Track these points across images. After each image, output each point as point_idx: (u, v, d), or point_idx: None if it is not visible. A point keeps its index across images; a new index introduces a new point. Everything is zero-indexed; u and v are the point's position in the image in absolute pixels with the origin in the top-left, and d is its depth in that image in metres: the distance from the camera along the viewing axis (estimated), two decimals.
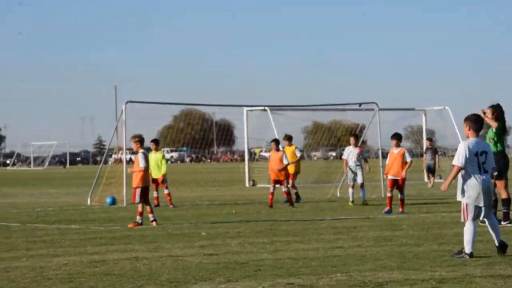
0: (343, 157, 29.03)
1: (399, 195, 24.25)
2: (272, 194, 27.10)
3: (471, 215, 13.63)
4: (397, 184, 24.33)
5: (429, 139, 43.96)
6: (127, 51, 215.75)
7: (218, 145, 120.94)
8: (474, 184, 13.54)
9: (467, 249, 13.58)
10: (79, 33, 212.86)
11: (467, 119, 13.93)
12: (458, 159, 13.57)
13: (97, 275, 12.66)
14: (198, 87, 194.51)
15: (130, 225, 20.99)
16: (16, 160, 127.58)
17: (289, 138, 30.11)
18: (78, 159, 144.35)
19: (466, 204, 13.64)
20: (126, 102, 33.24)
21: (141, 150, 21.67)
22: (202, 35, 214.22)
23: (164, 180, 29.01)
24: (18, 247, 16.69)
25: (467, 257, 13.48)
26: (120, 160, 30.34)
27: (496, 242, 13.86)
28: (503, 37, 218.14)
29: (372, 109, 37.45)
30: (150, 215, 21.07)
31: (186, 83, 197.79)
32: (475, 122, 13.87)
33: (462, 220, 13.82)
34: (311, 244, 16.31)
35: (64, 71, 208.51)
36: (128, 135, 32.54)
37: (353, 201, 27.77)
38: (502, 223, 19.67)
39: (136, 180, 21.23)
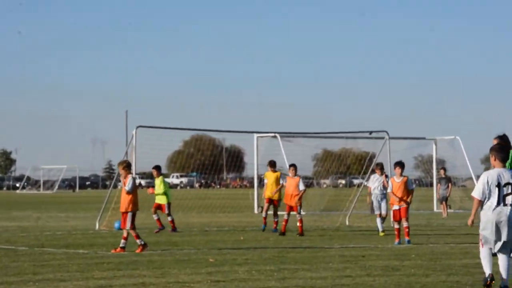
0: (368, 184, 28.64)
1: (404, 224, 23.72)
2: (286, 221, 26.87)
3: (486, 245, 13.30)
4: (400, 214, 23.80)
5: (443, 169, 44.12)
6: (139, 76, 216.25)
7: (227, 171, 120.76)
8: (488, 216, 13.21)
9: (486, 272, 13.21)
10: (90, 57, 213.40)
11: (492, 149, 13.60)
12: (477, 191, 13.31)
13: None
14: (209, 113, 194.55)
15: (113, 251, 20.90)
16: (25, 184, 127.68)
17: (273, 165, 29.30)
18: (87, 183, 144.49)
19: (482, 236, 13.32)
20: (137, 127, 33.34)
21: (129, 175, 21.50)
22: (213, 63, 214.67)
23: (167, 208, 29.03)
24: (25, 271, 16.68)
25: (488, 280, 13.14)
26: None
27: (501, 283, 13.29)
28: None
29: (383, 138, 37.43)
30: (138, 240, 20.96)
31: (197, 109, 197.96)
32: (500, 151, 13.50)
33: (481, 248, 13.42)
34: (319, 273, 16.28)
35: (75, 95, 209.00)
36: (138, 160, 32.67)
37: (383, 231, 26.96)
38: None
39: (125, 205, 21.17)
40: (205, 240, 25.41)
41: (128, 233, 21.07)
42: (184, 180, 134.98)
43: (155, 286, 14.20)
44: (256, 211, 45.56)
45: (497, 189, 13.14)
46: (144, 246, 20.86)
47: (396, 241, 23.48)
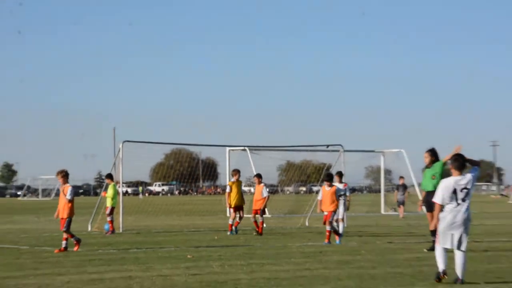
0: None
1: (327, 227, 22.85)
2: (255, 223, 27.01)
3: (441, 241, 13.03)
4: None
5: (402, 177, 44.71)
6: (126, 96, 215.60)
7: (203, 180, 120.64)
8: (446, 218, 12.97)
9: (439, 268, 13.03)
10: (84, 82, 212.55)
11: (451, 159, 13.42)
12: (437, 197, 13.15)
13: None
14: (187, 129, 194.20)
15: (56, 251, 20.43)
16: (26, 192, 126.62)
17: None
18: (80, 191, 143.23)
19: (438, 233, 13.12)
20: (123, 142, 33.24)
21: (68, 185, 21.07)
22: (192, 86, 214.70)
23: (110, 210, 29.06)
24: (26, 267, 16.65)
25: (441, 275, 12.95)
26: (117, 192, 30.32)
27: (442, 267, 13.12)
28: (457, 86, 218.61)
29: (338, 151, 37.63)
30: (65, 242, 20.67)
31: (177, 126, 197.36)
32: (455, 161, 13.27)
33: (436, 245, 13.20)
34: (282, 266, 16.35)
35: (69, 114, 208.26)
36: (125, 171, 32.60)
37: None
38: (425, 250, 19.98)
39: (66, 211, 20.83)
40: (184, 239, 25.42)
41: (69, 235, 20.74)
42: (165, 188, 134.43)
43: (141, 279, 14.21)
44: (228, 214, 45.56)
45: (454, 193, 12.99)
46: (66, 249, 20.49)
47: (326, 241, 22.78)
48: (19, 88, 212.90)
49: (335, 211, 23.07)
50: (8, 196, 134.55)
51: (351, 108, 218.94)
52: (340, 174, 26.16)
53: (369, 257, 18.51)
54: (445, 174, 21.23)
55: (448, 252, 13.23)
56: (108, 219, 29.02)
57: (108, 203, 29.50)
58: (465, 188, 13.00)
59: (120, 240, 25.14)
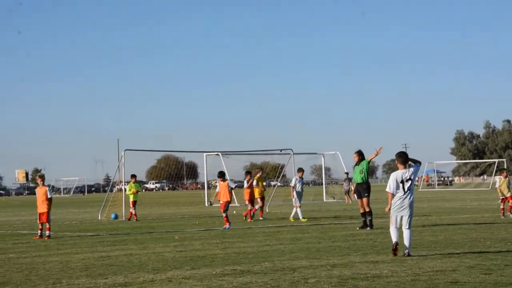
0: (291, 184, 25.43)
1: (224, 214, 22.15)
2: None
3: (393, 222, 12.47)
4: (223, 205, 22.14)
5: (347, 173, 45.31)
6: (127, 116, 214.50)
7: (187, 178, 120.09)
8: (396, 203, 12.42)
9: (393, 240, 12.41)
10: (98, 105, 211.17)
11: (396, 155, 12.73)
12: (389, 187, 12.46)
13: (104, 266, 12.50)
14: (174, 139, 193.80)
15: (34, 238, 19.51)
16: (51, 190, 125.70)
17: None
18: (93, 189, 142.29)
19: (391, 215, 12.58)
20: (125, 150, 33.05)
21: (45, 185, 20.45)
22: (177, 105, 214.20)
23: (133, 204, 28.66)
24: (51, 248, 16.44)
25: (394, 245, 12.33)
26: (120, 189, 30.09)
27: (395, 239, 12.36)
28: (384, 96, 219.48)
29: (289, 153, 37.69)
30: (49, 232, 19.70)
31: (166, 137, 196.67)
32: (399, 157, 12.66)
33: (390, 225, 12.55)
34: (248, 243, 16.26)
35: (83, 129, 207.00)
36: (126, 174, 32.36)
37: (304, 218, 24.74)
38: (357, 228, 20.00)
39: (46, 206, 19.89)
40: (172, 224, 25.26)
41: (43, 225, 19.84)
42: (158, 185, 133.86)
43: (139, 256, 14.05)
44: (206, 204, 45.44)
45: (401, 184, 12.45)
46: (40, 237, 19.56)
47: (226, 226, 21.81)
48: (46, 109, 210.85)
49: (229, 202, 22.30)
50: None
51: (299, 119, 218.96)
52: (302, 171, 25.60)
53: (315, 234, 18.46)
54: (370, 169, 21.34)
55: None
56: (133, 211, 28.47)
57: (132, 198, 28.99)
58: (409, 179, 12.50)
59: (123, 226, 24.89)
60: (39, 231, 19.92)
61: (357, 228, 20.22)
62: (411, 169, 12.72)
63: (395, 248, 12.42)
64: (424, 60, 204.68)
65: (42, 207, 20.09)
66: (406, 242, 12.37)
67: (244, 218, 26.69)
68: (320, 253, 13.57)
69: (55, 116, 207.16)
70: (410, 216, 12.52)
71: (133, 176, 29.86)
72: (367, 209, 20.24)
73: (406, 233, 12.43)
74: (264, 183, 29.12)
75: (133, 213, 28.41)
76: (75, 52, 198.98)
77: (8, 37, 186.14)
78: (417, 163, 12.85)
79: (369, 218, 20.11)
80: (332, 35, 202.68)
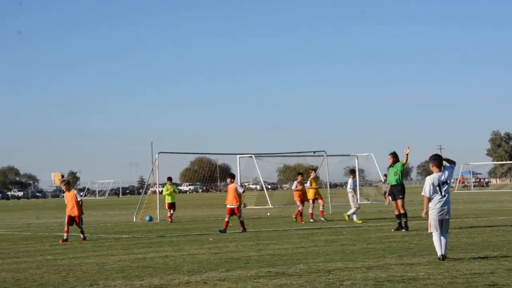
0: (351, 187, 25.78)
1: (239, 219, 21.57)
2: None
3: (434, 227, 12.11)
4: (234, 211, 21.31)
5: (385, 175, 44.71)
6: (160, 118, 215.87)
7: (220, 181, 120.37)
8: (435, 207, 12.12)
9: (438, 253, 11.95)
10: (129, 108, 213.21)
11: (430, 159, 12.39)
12: (425, 191, 12.13)
13: (140, 267, 12.58)
14: (207, 141, 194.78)
15: (60, 240, 19.27)
16: (86, 193, 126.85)
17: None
18: (127, 191, 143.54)
19: (431, 220, 12.21)
20: (158, 153, 33.23)
21: (72, 189, 20.10)
22: (213, 107, 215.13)
23: (169, 206, 28.74)
24: (88, 250, 16.61)
25: (440, 258, 11.94)
26: (155, 192, 30.28)
27: (441, 251, 12.01)
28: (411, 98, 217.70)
29: (322, 155, 37.56)
30: (83, 235, 19.72)
31: (199, 139, 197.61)
32: (434, 160, 12.35)
33: (429, 231, 12.26)
34: (283, 245, 16.24)
35: (118, 133, 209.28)
36: (160, 176, 32.53)
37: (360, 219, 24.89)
38: (392, 230, 19.87)
39: (78, 210, 19.66)
40: (206, 226, 25.35)
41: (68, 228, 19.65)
42: (191, 187, 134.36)
43: (174, 257, 14.13)
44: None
45: (438, 187, 12.16)
46: (66, 240, 19.30)
47: (223, 229, 21.24)
48: (79, 114, 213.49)
49: (238, 207, 21.36)
50: None
51: (333, 121, 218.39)
52: (352, 172, 26.38)
53: (350, 236, 18.38)
54: (404, 171, 21.18)
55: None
56: (169, 213, 28.61)
57: (168, 200, 29.20)
58: (445, 182, 12.24)
59: (158, 228, 25.05)
60: (65, 234, 19.55)
61: (392, 230, 20.07)
62: (446, 172, 12.40)
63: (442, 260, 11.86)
64: (459, 60, 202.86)
65: (73, 211, 19.73)
66: (442, 247, 12.11)
67: (295, 219, 26.51)
68: (355, 255, 13.50)
69: (90, 120, 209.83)
70: (449, 220, 12.31)
71: (169, 178, 30.12)
72: (402, 211, 20.11)
73: (443, 238, 12.18)
74: (318, 184, 29.13)
75: (169, 215, 28.63)
76: (103, 53, 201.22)
77: (7, 37, 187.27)
78: (452, 163, 12.54)
79: (404, 220, 19.98)
80: (376, 35, 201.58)
